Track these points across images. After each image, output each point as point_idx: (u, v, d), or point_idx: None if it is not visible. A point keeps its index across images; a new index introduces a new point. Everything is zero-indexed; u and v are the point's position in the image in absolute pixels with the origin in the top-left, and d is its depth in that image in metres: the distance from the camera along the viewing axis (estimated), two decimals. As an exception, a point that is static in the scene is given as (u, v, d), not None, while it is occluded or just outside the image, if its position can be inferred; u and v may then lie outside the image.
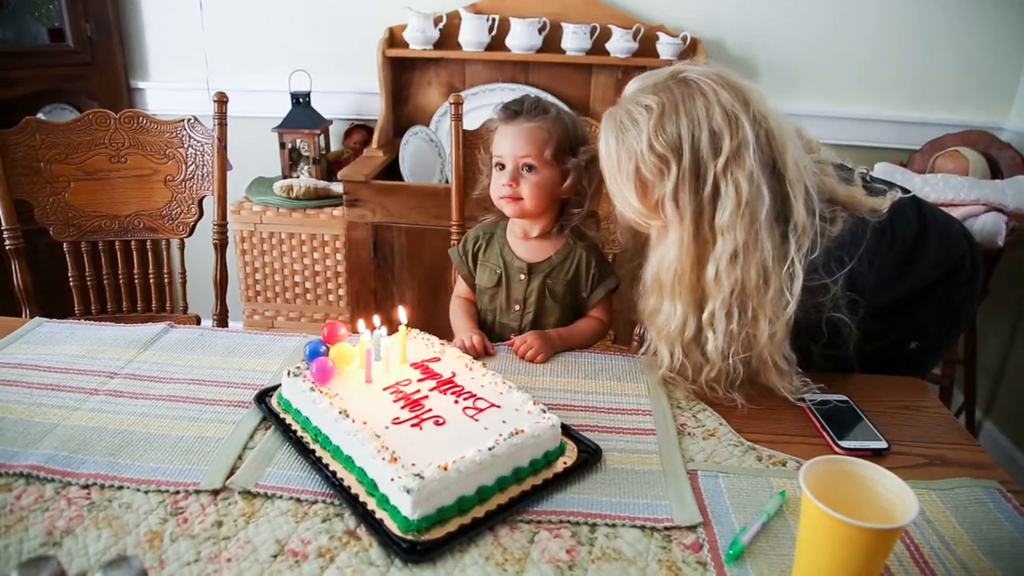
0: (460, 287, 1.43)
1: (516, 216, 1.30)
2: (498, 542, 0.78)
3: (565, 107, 1.33)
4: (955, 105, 2.40)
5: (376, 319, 1.03)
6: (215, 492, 0.84)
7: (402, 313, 1.05)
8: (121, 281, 1.68)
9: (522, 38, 2.31)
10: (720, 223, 0.99)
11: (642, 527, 0.80)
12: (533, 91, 2.33)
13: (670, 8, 2.36)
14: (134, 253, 1.67)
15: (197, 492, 0.83)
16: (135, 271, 1.67)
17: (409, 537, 0.76)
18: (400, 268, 2.23)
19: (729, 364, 1.03)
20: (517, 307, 1.33)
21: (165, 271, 1.69)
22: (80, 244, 1.63)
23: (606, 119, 1.06)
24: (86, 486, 0.84)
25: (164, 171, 1.63)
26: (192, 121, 1.62)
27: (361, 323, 1.00)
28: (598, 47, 2.34)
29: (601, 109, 2.24)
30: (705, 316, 1.03)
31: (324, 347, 0.98)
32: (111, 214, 1.63)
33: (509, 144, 1.24)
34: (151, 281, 1.68)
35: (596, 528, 0.80)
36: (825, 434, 1.00)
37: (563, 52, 2.34)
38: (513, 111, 1.27)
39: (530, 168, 1.24)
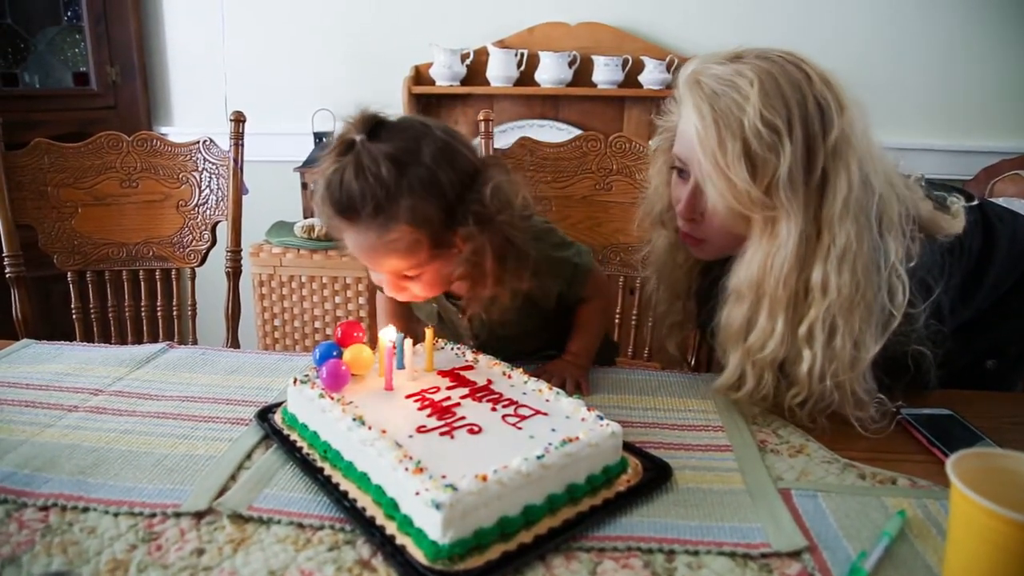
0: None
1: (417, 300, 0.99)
2: (551, 573, 0.61)
3: (422, 127, 0.87)
4: (1007, 132, 2.28)
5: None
6: (199, 515, 0.68)
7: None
8: (127, 314, 1.56)
9: (552, 72, 2.24)
10: (830, 213, 0.81)
11: (732, 554, 0.63)
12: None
13: (704, 39, 2.29)
14: (142, 283, 1.55)
15: (177, 515, 0.68)
16: (143, 303, 1.56)
17: (439, 567, 0.60)
18: (426, 308, 2.09)
19: (824, 387, 0.84)
20: (474, 343, 1.05)
21: (174, 303, 1.57)
22: (86, 274, 1.52)
23: (691, 87, 0.85)
24: (44, 508, 0.69)
25: (177, 196, 1.54)
26: (207, 142, 1.54)
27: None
28: (631, 80, 2.26)
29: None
30: (803, 330, 0.84)
31: (337, 350, 0.84)
32: (119, 242, 1.53)
33: (364, 259, 0.89)
34: (159, 313, 1.56)
35: (675, 556, 0.63)
36: (936, 450, 0.83)
37: (594, 85, 2.27)
38: (345, 208, 0.83)
39: (408, 277, 0.91)
